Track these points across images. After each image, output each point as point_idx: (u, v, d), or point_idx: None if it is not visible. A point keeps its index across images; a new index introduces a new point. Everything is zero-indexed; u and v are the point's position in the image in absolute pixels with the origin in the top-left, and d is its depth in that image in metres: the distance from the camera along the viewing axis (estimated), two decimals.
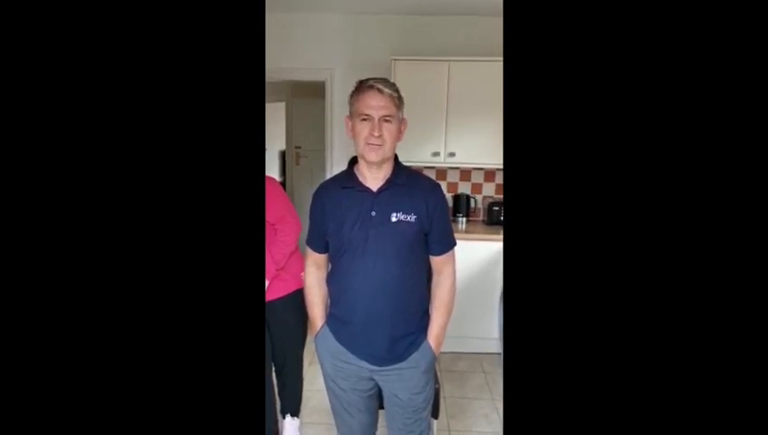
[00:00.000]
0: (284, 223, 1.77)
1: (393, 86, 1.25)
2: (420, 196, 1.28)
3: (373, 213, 1.25)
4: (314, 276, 1.42)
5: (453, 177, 3.35)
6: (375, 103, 1.21)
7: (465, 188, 3.35)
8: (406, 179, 1.30)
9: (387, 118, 1.22)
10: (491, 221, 3.17)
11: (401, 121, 1.28)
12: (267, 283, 1.76)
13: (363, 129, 1.23)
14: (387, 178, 1.28)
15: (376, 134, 1.21)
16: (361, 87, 1.25)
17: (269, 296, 1.79)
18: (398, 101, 1.25)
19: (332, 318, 1.38)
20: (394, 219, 1.25)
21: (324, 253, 1.39)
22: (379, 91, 1.21)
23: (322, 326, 1.39)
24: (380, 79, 1.25)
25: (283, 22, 3.18)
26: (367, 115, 1.22)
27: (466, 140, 2.98)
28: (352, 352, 1.33)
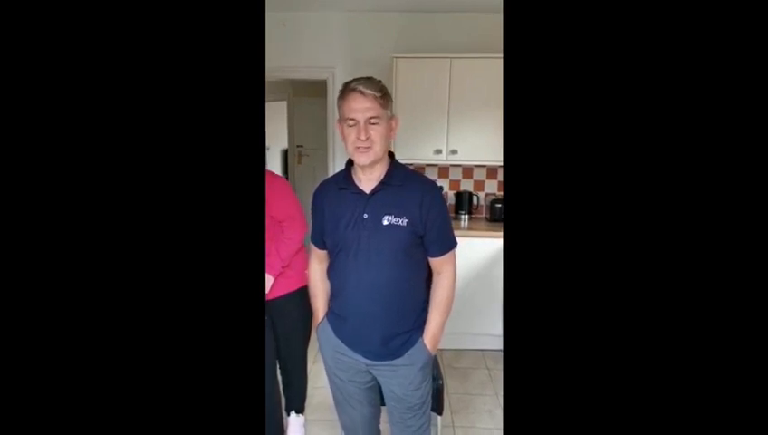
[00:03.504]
0: (292, 221, 1.79)
1: (377, 85, 1.22)
2: (414, 198, 1.25)
3: (365, 215, 1.25)
4: (317, 271, 1.45)
5: (455, 174, 3.35)
6: (358, 106, 1.19)
7: (467, 186, 3.35)
8: (401, 180, 1.28)
9: (372, 120, 1.20)
10: (493, 218, 3.17)
11: (391, 120, 1.26)
12: (273, 280, 1.78)
13: (350, 133, 1.21)
14: (380, 179, 1.27)
15: (362, 138, 1.20)
16: (345, 90, 1.23)
17: (274, 293, 1.80)
18: (383, 100, 1.21)
19: (331, 312, 1.41)
20: (385, 223, 1.23)
21: (325, 249, 1.40)
22: (362, 93, 1.19)
23: (323, 318, 1.42)
24: (363, 79, 1.22)
25: (285, 20, 3.18)
26: (352, 119, 1.20)
27: (468, 137, 2.98)
28: (348, 347, 1.35)
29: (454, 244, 1.35)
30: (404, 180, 1.28)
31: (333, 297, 1.39)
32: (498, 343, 2.96)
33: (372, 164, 1.25)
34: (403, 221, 1.24)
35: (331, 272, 1.37)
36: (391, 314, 1.29)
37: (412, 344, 1.32)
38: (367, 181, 1.28)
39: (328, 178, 1.44)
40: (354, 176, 1.30)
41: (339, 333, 1.36)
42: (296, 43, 3.24)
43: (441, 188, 3.28)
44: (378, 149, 1.22)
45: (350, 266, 1.28)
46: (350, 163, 1.33)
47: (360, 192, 1.28)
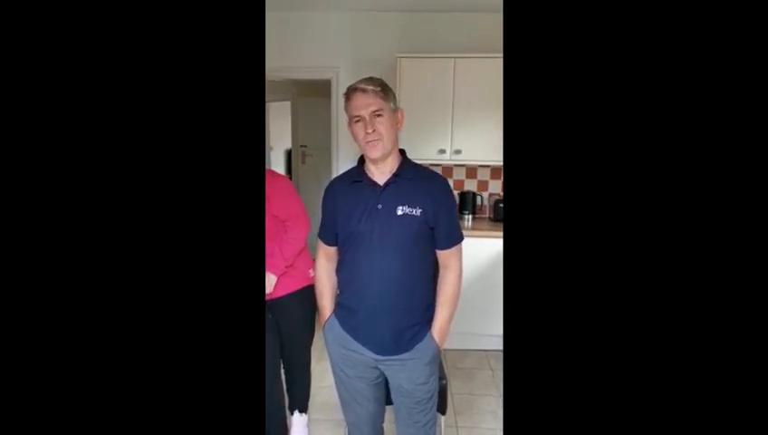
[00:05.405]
0: (296, 221, 1.79)
1: (377, 81, 1.29)
2: (426, 190, 1.31)
3: (379, 206, 1.29)
4: (324, 268, 1.47)
5: (459, 174, 3.35)
6: (361, 103, 1.27)
7: (471, 186, 3.35)
8: (413, 174, 1.33)
9: (377, 113, 1.26)
10: (497, 218, 3.16)
11: (396, 112, 1.32)
12: (276, 279, 1.78)
13: (359, 130, 1.28)
14: (393, 171, 1.32)
15: (369, 131, 1.26)
16: (348, 92, 1.30)
17: (277, 293, 1.81)
18: (384, 94, 1.28)
19: (340, 306, 1.42)
20: (400, 212, 1.28)
21: (334, 245, 1.43)
22: (363, 90, 1.26)
23: (330, 315, 1.44)
24: (364, 79, 1.29)
25: (288, 20, 3.19)
26: (358, 116, 1.28)
27: (472, 137, 2.98)
28: (357, 341, 1.36)
29: (461, 238, 1.40)
30: (415, 174, 1.34)
31: (343, 290, 1.41)
32: (501, 344, 2.95)
33: (384, 157, 1.30)
34: (417, 211, 1.29)
35: (342, 265, 1.40)
36: (401, 305, 1.32)
37: (421, 339, 1.35)
38: (380, 174, 1.33)
39: (340, 175, 1.47)
40: (367, 170, 1.35)
41: (348, 326, 1.38)
42: (300, 43, 3.24)
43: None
44: (386, 141, 1.28)
45: (363, 258, 1.31)
46: (361, 160, 1.37)
47: (374, 184, 1.32)
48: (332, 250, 1.44)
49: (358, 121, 1.28)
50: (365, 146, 1.28)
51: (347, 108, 1.31)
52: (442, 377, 1.63)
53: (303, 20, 3.21)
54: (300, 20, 3.21)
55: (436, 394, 1.44)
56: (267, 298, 1.78)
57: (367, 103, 1.26)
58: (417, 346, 1.35)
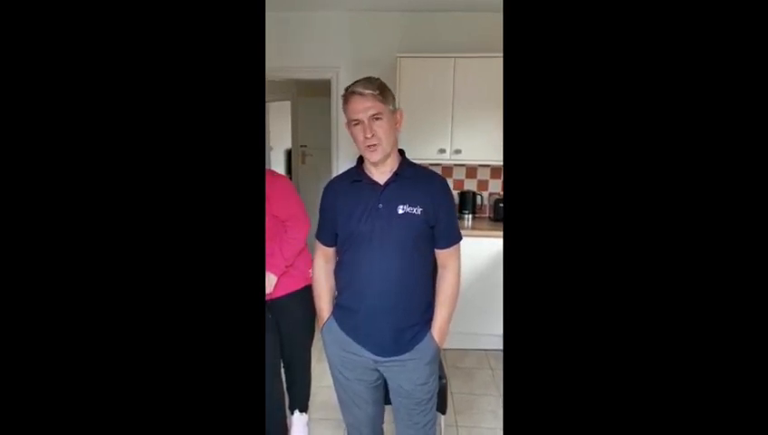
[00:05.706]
0: (296, 221, 1.79)
1: (374, 83, 1.27)
2: (426, 189, 1.31)
3: (380, 205, 1.29)
4: (322, 269, 1.46)
5: (459, 174, 3.35)
6: (360, 107, 1.25)
7: (471, 185, 3.35)
8: (412, 173, 1.33)
9: (376, 116, 1.25)
10: (497, 218, 3.16)
11: (395, 113, 1.31)
12: (276, 279, 1.78)
13: (358, 133, 1.27)
14: (393, 171, 1.32)
15: (369, 135, 1.25)
16: (345, 95, 1.29)
17: (277, 293, 1.81)
18: (383, 97, 1.26)
19: (338, 308, 1.42)
20: (401, 211, 1.28)
21: (333, 246, 1.43)
22: (360, 94, 1.25)
23: (329, 317, 1.43)
24: (362, 81, 1.27)
25: (288, 21, 3.19)
26: (357, 120, 1.26)
27: (472, 136, 2.98)
28: (357, 342, 1.36)
29: (459, 238, 1.40)
30: (415, 174, 1.34)
31: (342, 291, 1.40)
32: (502, 343, 2.95)
33: (384, 159, 1.30)
34: (417, 210, 1.28)
35: (341, 266, 1.39)
36: (401, 305, 1.32)
37: (421, 339, 1.35)
38: (380, 174, 1.33)
39: (338, 175, 1.47)
40: (366, 170, 1.35)
41: (347, 327, 1.37)
42: (300, 43, 3.24)
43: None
44: (385, 144, 1.27)
45: (363, 257, 1.31)
46: (360, 160, 1.37)
47: (374, 183, 1.32)
48: (331, 251, 1.44)
49: (357, 125, 1.27)
50: (365, 149, 1.28)
51: (345, 110, 1.30)
52: (442, 377, 1.63)
53: (303, 20, 3.21)
54: (300, 20, 3.21)
55: (435, 395, 1.44)
56: (267, 298, 1.78)
57: (365, 107, 1.24)
58: (417, 346, 1.35)
